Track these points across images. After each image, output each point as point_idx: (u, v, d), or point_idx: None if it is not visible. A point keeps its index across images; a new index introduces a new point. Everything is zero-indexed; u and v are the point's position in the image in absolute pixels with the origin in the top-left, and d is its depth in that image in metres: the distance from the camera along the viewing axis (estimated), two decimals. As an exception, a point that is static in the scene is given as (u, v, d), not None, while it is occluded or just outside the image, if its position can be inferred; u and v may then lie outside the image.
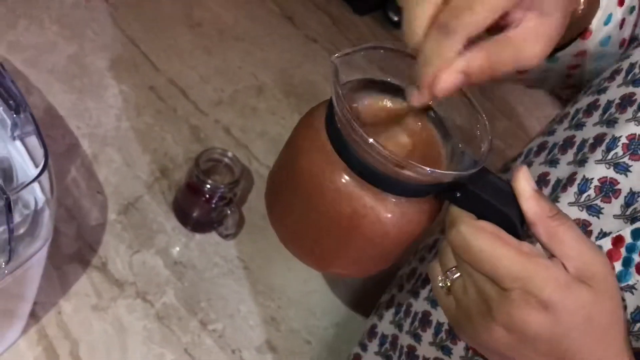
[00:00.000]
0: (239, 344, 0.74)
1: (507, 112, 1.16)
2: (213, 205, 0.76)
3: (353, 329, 0.79)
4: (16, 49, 0.85)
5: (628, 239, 0.44)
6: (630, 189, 0.46)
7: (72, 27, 0.91)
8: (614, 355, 0.38)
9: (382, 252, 0.45)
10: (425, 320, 0.59)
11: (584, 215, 0.47)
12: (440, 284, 0.42)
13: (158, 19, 0.99)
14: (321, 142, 0.42)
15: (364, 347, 0.67)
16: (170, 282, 0.75)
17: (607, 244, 0.45)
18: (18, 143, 0.53)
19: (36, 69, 0.85)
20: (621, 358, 0.38)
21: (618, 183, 0.46)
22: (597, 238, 0.46)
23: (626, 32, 0.57)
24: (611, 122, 0.50)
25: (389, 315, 0.66)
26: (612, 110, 0.51)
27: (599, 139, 0.50)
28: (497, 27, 0.38)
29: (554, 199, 0.50)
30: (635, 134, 0.47)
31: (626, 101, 0.50)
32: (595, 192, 0.47)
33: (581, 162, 0.50)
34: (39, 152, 0.51)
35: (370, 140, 0.37)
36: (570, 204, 0.49)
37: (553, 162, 0.54)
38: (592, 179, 0.48)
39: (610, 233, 0.45)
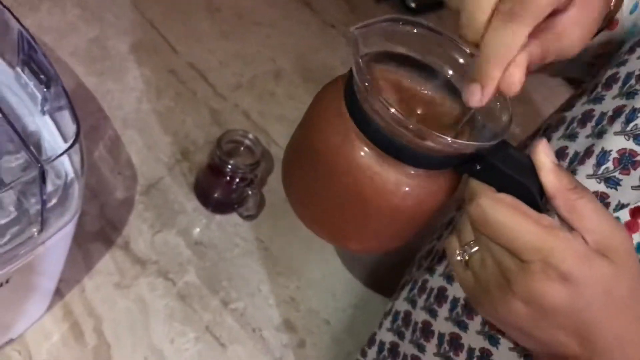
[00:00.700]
0: (259, 323, 0.74)
1: (523, 98, 1.16)
2: (234, 186, 0.77)
3: (372, 310, 0.79)
4: (38, 31, 0.86)
5: None
6: None
7: (93, 10, 0.92)
8: (634, 330, 0.38)
9: (400, 226, 0.45)
10: (441, 295, 0.59)
11: (602, 187, 0.47)
12: (458, 258, 0.42)
13: (177, 3, 0.99)
14: (339, 114, 0.41)
15: (379, 325, 0.68)
16: (192, 261, 0.76)
17: (625, 215, 0.44)
18: (47, 118, 0.53)
19: (58, 52, 0.86)
20: None
21: (637, 155, 0.46)
22: (615, 210, 0.45)
23: None
24: (631, 94, 0.49)
25: (404, 293, 0.66)
26: (632, 82, 0.50)
27: (618, 111, 0.50)
28: None
29: (571, 172, 0.50)
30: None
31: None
32: (613, 164, 0.47)
33: (599, 134, 0.50)
34: (68, 127, 0.52)
35: (392, 110, 0.37)
36: (589, 176, 0.48)
37: (572, 136, 0.54)
38: (611, 150, 0.47)
39: (628, 204, 0.45)
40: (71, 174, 0.50)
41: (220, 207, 0.80)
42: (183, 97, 0.89)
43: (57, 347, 0.65)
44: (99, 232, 0.74)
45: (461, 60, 0.43)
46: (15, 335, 0.64)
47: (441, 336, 0.57)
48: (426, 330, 0.59)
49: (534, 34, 0.36)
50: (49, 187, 0.47)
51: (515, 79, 0.37)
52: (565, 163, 0.52)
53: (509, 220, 0.37)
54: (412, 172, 0.41)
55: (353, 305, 0.81)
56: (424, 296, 0.61)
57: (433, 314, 0.59)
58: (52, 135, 0.53)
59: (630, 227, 0.43)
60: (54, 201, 0.48)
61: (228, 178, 0.76)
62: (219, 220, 0.80)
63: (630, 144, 0.47)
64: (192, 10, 1.00)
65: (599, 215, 0.37)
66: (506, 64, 0.36)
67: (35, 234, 0.48)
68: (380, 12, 1.17)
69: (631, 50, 0.53)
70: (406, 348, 0.61)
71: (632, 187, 0.46)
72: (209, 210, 0.80)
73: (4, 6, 0.51)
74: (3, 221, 0.47)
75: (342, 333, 0.78)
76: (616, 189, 0.47)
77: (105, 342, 0.67)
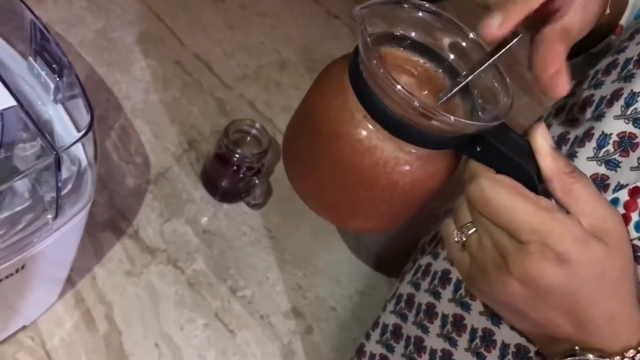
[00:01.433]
0: (267, 309, 0.75)
1: (526, 88, 1.16)
2: (241, 175, 0.78)
3: (377, 296, 0.80)
4: (46, 23, 0.86)
5: None
6: None
7: (99, 2, 0.92)
8: (625, 309, 0.39)
9: (398, 204, 0.45)
10: (444, 278, 0.59)
11: (602, 169, 0.48)
12: (455, 239, 0.42)
13: (182, -6, 1.00)
14: (342, 89, 0.42)
15: (383, 308, 0.69)
16: (200, 249, 0.77)
17: (624, 195, 0.45)
18: (60, 107, 0.54)
19: (65, 44, 0.86)
20: (630, 312, 0.39)
21: (637, 137, 0.47)
22: (615, 190, 0.46)
23: None
24: (629, 77, 0.50)
25: (408, 277, 0.67)
26: (630, 66, 0.51)
27: (616, 95, 0.50)
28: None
29: (571, 154, 0.51)
30: None
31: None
32: (614, 147, 0.48)
33: (599, 117, 0.51)
34: (81, 115, 0.52)
35: (398, 87, 0.37)
36: (589, 158, 0.49)
37: (573, 121, 0.55)
38: (611, 134, 0.48)
39: (627, 185, 0.45)
40: (84, 162, 0.51)
41: (227, 196, 0.81)
42: (189, 87, 0.90)
43: (69, 334, 0.66)
44: (108, 221, 0.75)
45: (463, 44, 0.44)
46: (28, 322, 0.65)
47: (445, 317, 0.58)
48: (430, 312, 0.60)
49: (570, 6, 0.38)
50: (64, 175, 0.48)
51: (563, 87, 0.39)
52: (567, 148, 0.53)
53: (508, 201, 0.38)
54: (413, 150, 0.41)
55: (359, 292, 0.82)
56: (428, 279, 0.62)
57: (437, 296, 0.60)
58: (64, 124, 0.54)
59: (629, 206, 0.44)
60: (68, 188, 0.49)
61: (235, 167, 0.77)
62: (227, 209, 0.81)
63: (630, 127, 0.48)
64: (197, 1, 1.00)
65: (594, 199, 0.38)
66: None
67: (50, 220, 0.49)
68: (384, 2, 1.18)
69: (631, 37, 0.54)
70: (409, 330, 0.62)
71: (630, 167, 0.46)
72: (216, 199, 0.81)
73: (16, -3, 0.52)
74: (18, 208, 0.48)
75: (348, 319, 0.79)
76: (615, 170, 0.47)
77: (116, 328, 0.68)
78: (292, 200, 0.85)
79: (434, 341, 0.58)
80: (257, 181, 0.79)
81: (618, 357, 0.38)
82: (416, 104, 0.37)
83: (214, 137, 0.85)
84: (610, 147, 0.48)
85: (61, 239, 0.53)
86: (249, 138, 0.80)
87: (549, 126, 0.58)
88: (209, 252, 0.77)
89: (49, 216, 0.48)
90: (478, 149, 0.41)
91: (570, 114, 0.56)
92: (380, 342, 0.66)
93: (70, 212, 0.51)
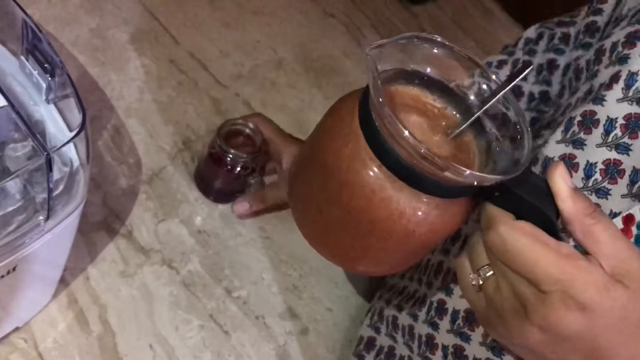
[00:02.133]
0: (262, 310, 0.75)
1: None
2: (235, 176, 0.77)
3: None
4: (38, 22, 0.86)
5: (638, 217, 0.44)
6: (634, 167, 0.46)
7: (92, 0, 0.92)
8: None
9: (414, 252, 0.44)
10: (441, 309, 0.59)
11: (593, 198, 0.47)
12: (472, 282, 0.42)
13: (177, -7, 0.99)
14: (354, 137, 0.40)
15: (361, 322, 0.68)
16: (195, 250, 0.76)
17: (618, 223, 0.45)
18: (52, 107, 0.54)
19: (58, 42, 0.85)
20: None
21: (621, 163, 0.47)
22: (631, 176, 0.46)
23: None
24: (623, 59, 0.49)
25: (385, 294, 0.67)
26: (620, 49, 0.51)
27: (615, 77, 0.49)
28: None
29: (575, 141, 0.50)
30: (631, 114, 0.47)
31: (613, 79, 0.50)
32: (601, 175, 0.47)
33: (575, 143, 0.50)
34: (73, 115, 0.52)
35: (412, 140, 0.35)
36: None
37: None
38: (596, 162, 0.48)
39: (620, 213, 0.45)
40: (77, 162, 0.51)
41: (221, 196, 0.80)
42: (184, 86, 0.89)
43: (62, 335, 0.66)
44: (102, 221, 0.74)
45: (478, 79, 0.43)
46: (21, 323, 0.64)
47: (420, 337, 0.58)
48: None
49: None
50: (55, 175, 0.47)
51: None
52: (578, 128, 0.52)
53: (528, 250, 0.37)
54: (425, 199, 0.39)
55: (355, 293, 0.81)
56: (425, 309, 0.61)
57: (435, 326, 0.59)
58: (57, 123, 0.53)
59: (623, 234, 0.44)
60: (60, 189, 0.49)
61: (229, 167, 0.76)
62: (222, 209, 0.80)
63: (613, 154, 0.47)
64: (192, -1, 1.00)
65: (614, 240, 0.37)
66: None
67: (42, 222, 0.48)
68: (379, 0, 1.17)
69: (598, 60, 0.53)
70: (404, 319, 0.62)
71: (621, 195, 0.46)
72: (210, 199, 0.80)
73: (8, -5, 0.51)
74: (9, 209, 0.47)
75: (345, 320, 0.79)
76: (607, 198, 0.47)
77: (110, 329, 0.68)
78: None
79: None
80: (251, 181, 0.78)
81: None
82: (434, 159, 0.36)
83: (209, 136, 0.85)
84: (598, 176, 0.48)
85: (53, 240, 0.53)
86: (242, 137, 0.80)
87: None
88: (204, 252, 0.76)
89: (41, 217, 0.48)
90: (496, 194, 0.39)
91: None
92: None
93: (62, 213, 0.50)
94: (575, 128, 0.50)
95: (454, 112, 0.43)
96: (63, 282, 0.68)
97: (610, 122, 0.48)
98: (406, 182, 0.39)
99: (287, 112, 0.93)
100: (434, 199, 0.40)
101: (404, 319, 0.63)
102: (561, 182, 0.38)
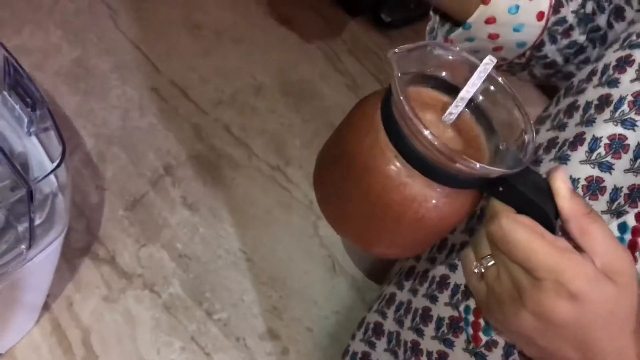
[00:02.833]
0: (243, 332, 0.77)
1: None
2: None
3: (353, 317, 0.82)
4: (22, 52, 0.88)
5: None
6: (638, 142, 0.49)
7: (75, 31, 0.94)
8: (631, 345, 0.42)
9: (424, 237, 0.48)
10: (424, 314, 0.61)
11: (596, 172, 0.51)
12: (475, 270, 0.45)
13: (158, 22, 1.02)
14: (374, 126, 0.44)
15: (352, 335, 0.70)
16: (176, 273, 0.78)
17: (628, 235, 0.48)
18: (34, 139, 0.56)
19: (42, 72, 0.88)
20: (635, 347, 0.42)
21: (627, 139, 0.50)
22: (611, 194, 0.49)
23: (543, 5, 0.61)
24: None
25: (375, 306, 0.69)
26: (592, 111, 0.54)
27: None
28: None
29: (564, 157, 0.53)
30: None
31: (603, 101, 0.53)
32: (605, 149, 0.51)
33: (588, 122, 0.53)
34: (54, 147, 0.54)
35: (428, 134, 0.39)
36: (582, 162, 0.52)
37: (561, 127, 0.58)
38: (602, 137, 0.51)
39: (622, 188, 0.48)
40: (58, 193, 0.53)
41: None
42: (165, 113, 0.91)
43: (46, 361, 0.67)
44: (85, 247, 0.76)
45: (491, 87, 0.46)
46: (3, 350, 0.65)
47: (405, 343, 0.60)
48: (397, 339, 0.62)
49: None
50: (37, 206, 0.49)
51: None
52: (555, 151, 0.55)
53: (526, 240, 0.40)
54: (440, 189, 0.43)
55: (335, 312, 0.83)
56: (410, 316, 0.63)
57: (401, 325, 0.62)
58: (39, 155, 0.55)
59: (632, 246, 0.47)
60: (42, 219, 0.51)
61: None
62: (202, 233, 0.82)
63: (619, 129, 0.50)
64: (172, 28, 1.02)
65: (607, 240, 0.41)
66: None
67: (24, 250, 0.50)
68: (355, 26, 1.21)
69: (589, 79, 0.56)
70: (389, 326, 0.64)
71: (624, 170, 0.49)
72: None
73: (-10, 33, 0.53)
74: (-8, 239, 0.49)
75: (324, 340, 0.80)
76: (610, 173, 0.50)
77: (93, 354, 0.69)
78: (267, 223, 0.86)
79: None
80: None
81: None
82: (446, 151, 0.39)
83: (190, 162, 0.87)
84: (602, 150, 0.51)
85: (36, 268, 0.54)
86: None
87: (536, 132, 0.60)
88: (185, 276, 0.78)
89: (23, 246, 0.50)
90: (500, 189, 0.43)
91: (556, 119, 0.59)
92: None
93: (44, 241, 0.52)
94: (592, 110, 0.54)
95: (468, 113, 0.47)
96: (46, 307, 0.70)
97: (620, 101, 0.51)
98: (420, 171, 0.43)
99: (267, 136, 0.96)
100: (444, 189, 0.43)
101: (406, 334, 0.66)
102: (560, 182, 0.41)
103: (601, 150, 0.51)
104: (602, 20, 0.64)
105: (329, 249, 0.87)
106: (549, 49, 0.66)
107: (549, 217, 0.41)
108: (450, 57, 0.46)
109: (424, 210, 0.44)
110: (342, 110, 0.50)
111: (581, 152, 0.52)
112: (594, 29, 0.65)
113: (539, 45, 0.64)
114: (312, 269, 0.85)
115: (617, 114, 0.51)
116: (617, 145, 0.50)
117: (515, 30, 0.62)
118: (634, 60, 0.52)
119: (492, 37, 0.62)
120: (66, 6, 0.96)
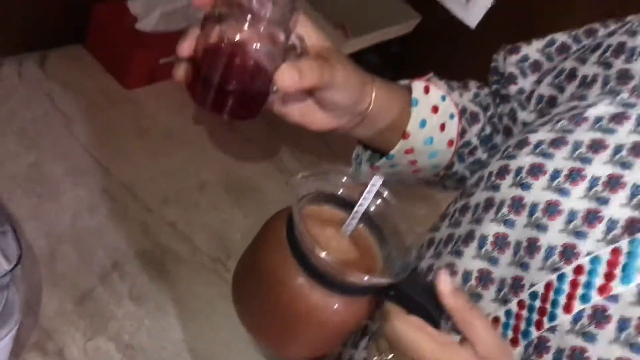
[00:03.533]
0: (186, 419, 0.81)
1: (426, 198, 1.30)
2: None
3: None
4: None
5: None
6: (517, 240, 0.58)
7: (31, 138, 1.02)
8: None
9: (328, 338, 0.56)
10: None
11: (485, 265, 0.60)
12: None
13: (109, 128, 1.10)
14: (281, 245, 0.53)
15: None
16: (122, 365, 0.83)
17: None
18: (-9, 243, 0.62)
19: (-2, 177, 0.94)
20: None
21: (508, 236, 0.59)
22: (498, 284, 0.58)
23: (452, 134, 0.72)
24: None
25: None
26: (479, 211, 0.64)
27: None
28: None
29: (458, 252, 0.62)
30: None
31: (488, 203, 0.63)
32: (491, 246, 0.60)
33: (477, 221, 0.62)
34: (11, 249, 0.60)
35: (320, 253, 0.48)
36: (474, 257, 0.60)
37: (457, 224, 0.67)
38: (488, 235, 0.60)
39: (506, 279, 0.57)
40: (14, 293, 0.59)
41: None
42: (115, 213, 0.99)
43: None
44: (35, 342, 0.80)
45: (381, 203, 0.56)
46: None
47: None
48: None
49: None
50: (-7, 305, 0.55)
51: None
52: (451, 245, 0.64)
53: (416, 338, 0.49)
54: (337, 297, 0.52)
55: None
56: None
57: None
58: (-5, 257, 0.62)
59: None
60: (-4, 316, 0.56)
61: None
62: (148, 325, 0.88)
63: (502, 228, 0.59)
64: (122, 133, 1.11)
65: (487, 330, 0.50)
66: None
67: (-21, 346, 0.55)
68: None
69: (476, 185, 0.66)
70: None
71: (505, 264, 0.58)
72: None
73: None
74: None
75: None
76: (496, 265, 0.59)
77: None
78: (210, 314, 0.92)
79: None
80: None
81: None
82: (338, 268, 0.49)
83: (137, 258, 0.94)
84: (489, 246, 0.60)
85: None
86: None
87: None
88: (131, 366, 0.83)
89: (-22, 343, 0.55)
90: (392, 293, 0.52)
91: (453, 218, 0.68)
92: None
93: (-3, 337, 0.57)
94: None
95: (363, 227, 0.57)
96: (-5, 402, 0.73)
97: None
98: (320, 284, 0.51)
99: (210, 231, 1.03)
100: (343, 297, 0.52)
101: None
102: (443, 284, 0.50)
103: (488, 246, 0.60)
104: (498, 139, 0.76)
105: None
106: (458, 167, 0.77)
107: (433, 317, 0.50)
108: (345, 179, 0.56)
109: (326, 316, 0.53)
110: (281, 205, 0.58)
111: (472, 248, 0.61)
112: (493, 147, 0.77)
113: (450, 165, 0.76)
114: (253, 359, 0.91)
115: (499, 215, 0.61)
116: (500, 242, 0.60)
117: (431, 156, 0.73)
118: (511, 170, 0.62)
119: (412, 163, 0.73)
120: (24, 115, 1.04)
